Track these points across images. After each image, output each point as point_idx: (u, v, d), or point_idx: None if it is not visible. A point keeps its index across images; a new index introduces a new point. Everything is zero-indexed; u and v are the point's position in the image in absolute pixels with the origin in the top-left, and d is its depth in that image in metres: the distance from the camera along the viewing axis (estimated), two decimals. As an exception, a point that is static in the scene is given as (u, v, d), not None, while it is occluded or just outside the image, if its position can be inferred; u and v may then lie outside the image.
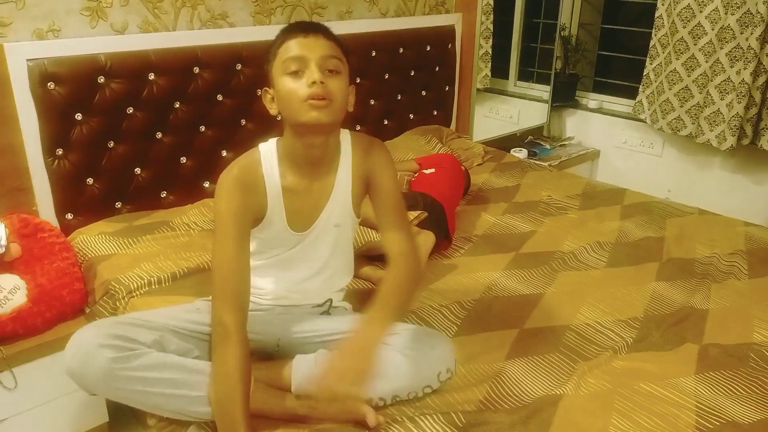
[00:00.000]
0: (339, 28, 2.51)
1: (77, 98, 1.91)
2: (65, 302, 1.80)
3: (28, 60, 1.82)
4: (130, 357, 1.16)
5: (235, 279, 1.24)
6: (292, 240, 1.36)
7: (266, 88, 1.29)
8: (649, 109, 3.16)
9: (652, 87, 3.12)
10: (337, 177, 1.35)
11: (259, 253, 1.39)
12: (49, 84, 1.85)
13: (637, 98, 3.22)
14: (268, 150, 1.33)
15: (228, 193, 1.26)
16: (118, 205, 2.11)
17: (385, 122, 2.86)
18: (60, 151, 1.93)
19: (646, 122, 3.21)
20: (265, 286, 1.41)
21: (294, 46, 1.21)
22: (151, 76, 2.05)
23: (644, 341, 1.55)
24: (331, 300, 1.44)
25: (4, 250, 1.72)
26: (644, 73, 3.15)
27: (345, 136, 1.38)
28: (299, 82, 1.20)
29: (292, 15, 2.47)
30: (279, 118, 1.29)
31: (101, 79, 1.94)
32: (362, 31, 2.65)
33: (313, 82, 1.18)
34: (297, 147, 1.29)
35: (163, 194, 2.20)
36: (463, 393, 1.34)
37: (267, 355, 1.37)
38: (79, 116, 1.93)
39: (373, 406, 1.24)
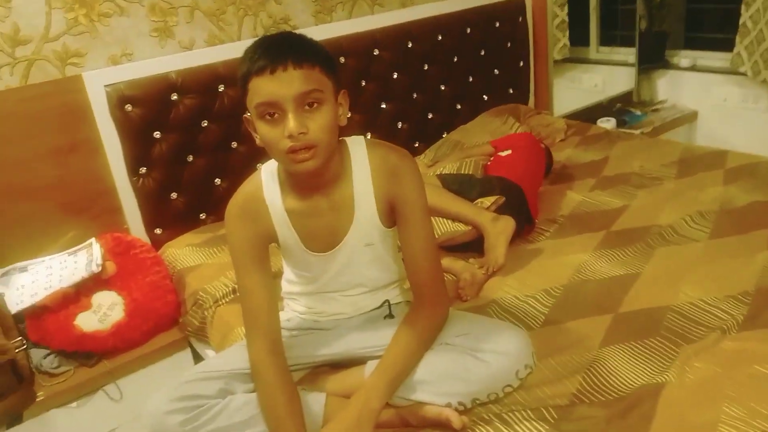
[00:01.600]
0: (401, 16, 2.51)
1: (154, 117, 1.98)
2: (160, 314, 1.87)
3: (105, 86, 1.90)
4: (198, 415, 1.16)
5: (258, 310, 1.22)
6: (318, 262, 1.28)
7: (246, 116, 1.16)
8: (749, 61, 2.88)
9: (751, 36, 2.83)
10: (355, 196, 1.22)
11: (298, 276, 1.35)
12: (126, 106, 1.93)
13: (735, 50, 2.94)
14: (269, 173, 1.24)
15: (234, 227, 1.23)
16: (203, 216, 2.17)
17: (458, 107, 2.77)
18: (143, 170, 2.01)
19: (746, 75, 2.92)
20: (316, 305, 1.37)
21: (263, 88, 1.06)
22: (221, 88, 2.09)
23: (758, 318, 1.39)
24: (388, 301, 1.37)
25: (100, 269, 1.81)
26: (740, 22, 2.87)
27: (356, 146, 1.24)
28: (276, 130, 1.07)
29: (353, 9, 2.44)
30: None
31: (174, 97, 2.01)
32: (426, 16, 2.58)
33: (291, 135, 1.06)
34: (293, 175, 1.20)
35: (244, 202, 2.24)
36: (553, 386, 1.26)
37: (338, 364, 1.35)
38: (157, 134, 2.00)
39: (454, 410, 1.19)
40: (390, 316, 1.37)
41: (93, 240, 1.91)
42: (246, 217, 1.23)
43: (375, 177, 1.23)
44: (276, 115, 1.07)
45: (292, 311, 1.41)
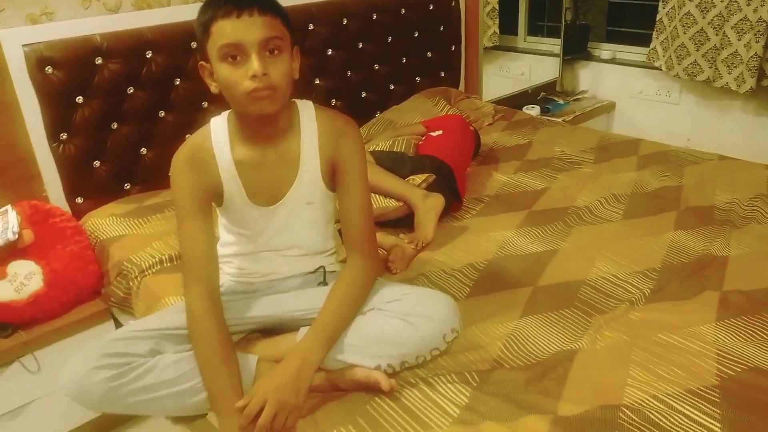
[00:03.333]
0: (338, -9, 2.50)
1: (76, 81, 1.90)
2: (81, 285, 1.81)
3: (23, 46, 1.80)
4: (126, 372, 1.14)
5: (198, 255, 1.24)
6: (260, 216, 1.32)
7: (202, 63, 1.21)
8: (663, 56, 3.06)
9: (666, 32, 3.01)
10: (301, 152, 1.29)
11: (236, 235, 1.37)
12: (47, 68, 1.83)
13: (651, 45, 3.11)
14: (218, 125, 1.30)
15: (180, 174, 1.26)
16: (127, 186, 2.11)
17: (392, 87, 2.80)
18: (64, 136, 1.92)
19: (661, 70, 3.11)
20: (250, 266, 1.39)
21: (228, 30, 1.12)
22: (149, 54, 2.02)
23: (662, 291, 1.51)
24: (323, 267, 1.41)
25: (17, 237, 1.73)
26: (657, 19, 3.04)
27: (305, 107, 1.32)
28: (238, 71, 1.14)
29: (289, -18, 2.41)
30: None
31: (99, 60, 1.93)
32: (362, -6, 2.58)
33: (254, 76, 1.12)
34: (246, 123, 1.27)
35: (171, 173, 2.19)
36: (476, 353, 1.32)
37: (270, 331, 1.36)
38: (80, 99, 1.92)
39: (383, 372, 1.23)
40: (324, 283, 1.39)
41: (9, 207, 1.82)
42: (192, 167, 1.26)
43: (321, 136, 1.30)
44: (238, 58, 1.14)
45: (224, 275, 1.40)
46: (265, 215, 1.32)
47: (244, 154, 1.28)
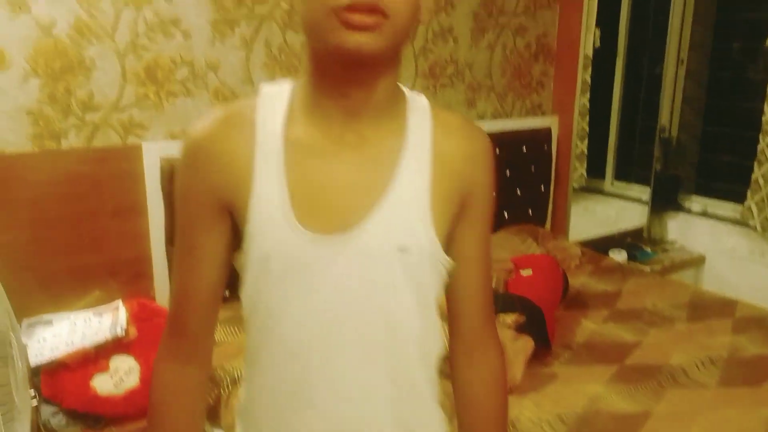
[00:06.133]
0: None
1: (199, 193, 2.07)
2: (172, 386, 1.87)
3: (161, 158, 2.01)
4: None
5: (197, 292, 0.85)
6: (307, 254, 0.75)
7: None
8: (758, 216, 3.02)
9: (762, 193, 2.99)
10: (404, 154, 0.76)
11: (265, 352, 0.84)
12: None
13: (746, 204, 3.09)
14: (275, 91, 0.78)
15: (184, 168, 0.79)
16: (227, 294, 2.20)
17: (481, 221, 2.88)
18: (180, 242, 2.07)
19: (756, 230, 3.06)
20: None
21: None
22: (266, 174, 2.19)
23: (768, 475, 1.43)
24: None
25: (124, 333, 1.84)
26: (752, 179, 3.04)
27: (417, 101, 0.82)
28: None
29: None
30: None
31: (222, 177, 2.10)
32: (462, 133, 2.73)
33: None
34: (321, 94, 0.74)
35: (267, 284, 2.29)
36: None
37: None
38: (199, 210, 2.08)
39: None
40: None
41: (120, 303, 1.95)
42: (205, 158, 0.76)
43: (441, 149, 0.79)
44: None
45: None
46: (320, 255, 0.75)
47: (303, 133, 0.75)
